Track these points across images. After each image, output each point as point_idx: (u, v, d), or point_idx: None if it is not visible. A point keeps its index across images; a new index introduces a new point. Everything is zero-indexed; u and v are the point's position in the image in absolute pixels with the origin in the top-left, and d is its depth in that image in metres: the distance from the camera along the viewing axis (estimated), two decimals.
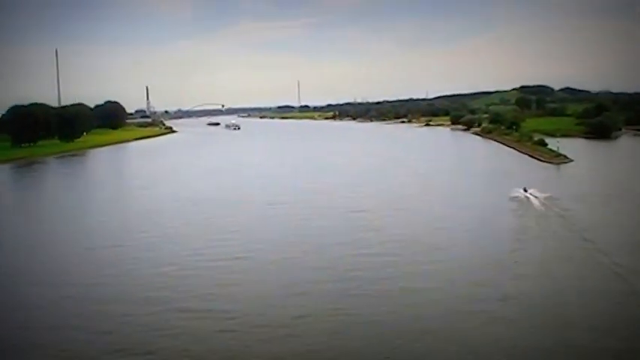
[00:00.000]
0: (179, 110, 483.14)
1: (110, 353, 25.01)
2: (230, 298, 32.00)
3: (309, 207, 60.48)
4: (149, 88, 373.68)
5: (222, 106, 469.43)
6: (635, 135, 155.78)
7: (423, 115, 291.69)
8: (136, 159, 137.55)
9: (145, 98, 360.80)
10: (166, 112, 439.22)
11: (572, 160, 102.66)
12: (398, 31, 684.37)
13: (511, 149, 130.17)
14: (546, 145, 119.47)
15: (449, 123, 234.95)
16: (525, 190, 65.34)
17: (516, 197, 63.72)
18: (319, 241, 45.57)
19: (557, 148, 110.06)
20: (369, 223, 51.63)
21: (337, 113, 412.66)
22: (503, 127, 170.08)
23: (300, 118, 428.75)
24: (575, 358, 24.34)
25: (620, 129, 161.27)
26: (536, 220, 53.36)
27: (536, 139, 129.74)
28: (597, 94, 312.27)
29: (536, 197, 63.14)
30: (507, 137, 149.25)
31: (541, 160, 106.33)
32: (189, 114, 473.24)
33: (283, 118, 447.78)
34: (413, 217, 55.08)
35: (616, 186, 74.50)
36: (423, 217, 55.60)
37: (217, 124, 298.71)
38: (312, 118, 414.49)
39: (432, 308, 30.08)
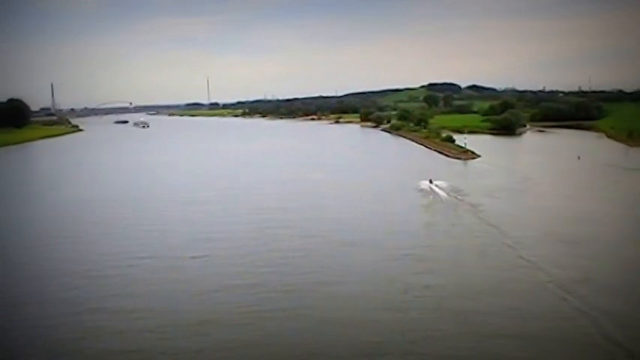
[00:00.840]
0: (86, 108, 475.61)
1: None
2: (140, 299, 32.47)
3: (223, 209, 60.79)
4: (54, 85, 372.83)
5: (130, 103, 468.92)
6: (538, 131, 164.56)
7: (333, 113, 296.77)
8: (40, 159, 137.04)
9: (50, 96, 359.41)
10: (72, 110, 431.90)
11: (479, 156, 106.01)
12: (308, 28, 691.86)
13: (420, 146, 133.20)
14: (454, 141, 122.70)
15: (358, 120, 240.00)
16: (431, 182, 69.90)
17: (422, 189, 68.05)
18: (230, 236, 47.39)
19: (465, 144, 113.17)
20: (281, 222, 52.60)
21: (247, 111, 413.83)
22: (411, 124, 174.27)
23: (210, 115, 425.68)
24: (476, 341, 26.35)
25: (524, 125, 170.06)
26: (443, 213, 56.83)
27: (444, 135, 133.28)
28: (503, 91, 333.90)
29: (441, 188, 67.14)
30: (416, 134, 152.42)
31: (449, 156, 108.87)
32: (96, 112, 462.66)
33: (192, 115, 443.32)
34: (322, 211, 57.60)
35: (520, 179, 77.85)
36: (333, 210, 58.22)
37: (125, 122, 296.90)
38: (222, 115, 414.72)
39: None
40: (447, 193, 66.80)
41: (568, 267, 38.05)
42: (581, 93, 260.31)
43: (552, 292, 33.10)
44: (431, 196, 64.39)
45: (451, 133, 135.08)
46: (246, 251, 42.20)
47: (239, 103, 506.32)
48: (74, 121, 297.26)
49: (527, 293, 33.01)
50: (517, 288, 34.03)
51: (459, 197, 64.87)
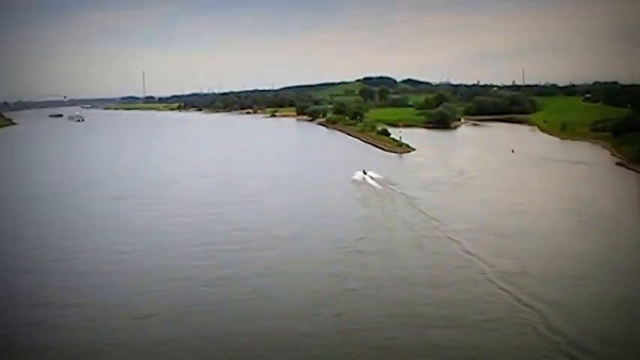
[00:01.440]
0: (19, 102, 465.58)
1: None
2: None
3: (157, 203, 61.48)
4: None
5: (65, 97, 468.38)
6: (473, 124, 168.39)
7: (269, 106, 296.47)
8: None
9: None
10: (6, 103, 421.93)
11: (414, 149, 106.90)
12: (244, 22, 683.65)
13: (355, 139, 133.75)
14: (389, 134, 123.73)
15: (294, 114, 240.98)
16: (365, 173, 73.48)
17: (356, 180, 71.12)
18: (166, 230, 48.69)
19: (400, 137, 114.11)
20: (220, 216, 53.54)
21: (183, 104, 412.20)
22: (347, 118, 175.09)
23: (145, 109, 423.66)
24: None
25: (459, 119, 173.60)
26: (379, 206, 58.26)
27: (379, 129, 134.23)
28: (437, 85, 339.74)
29: (375, 180, 69.71)
30: (351, 127, 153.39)
31: (384, 150, 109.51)
32: (29, 105, 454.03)
33: (128, 109, 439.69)
34: (260, 204, 59.67)
35: (456, 172, 78.53)
36: (271, 202, 60.58)
37: (60, 115, 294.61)
38: (157, 109, 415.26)
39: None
40: (382, 185, 67.96)
41: (506, 259, 38.55)
42: (515, 87, 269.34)
43: (491, 282, 34.27)
44: (364, 187, 67.03)
45: (386, 127, 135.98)
46: (179, 245, 43.48)
47: (174, 96, 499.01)
48: (8, 114, 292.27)
49: (465, 284, 33.60)
50: (455, 279, 35.01)
51: (395, 189, 65.48)
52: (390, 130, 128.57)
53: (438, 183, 70.59)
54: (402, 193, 63.35)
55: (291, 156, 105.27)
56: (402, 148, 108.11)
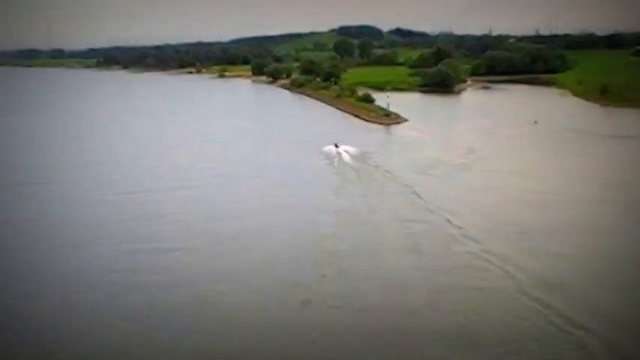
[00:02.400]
0: None
1: None
2: None
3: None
4: None
5: None
6: (483, 88, 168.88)
7: (217, 64, 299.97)
8: None
9: None
10: None
11: (406, 120, 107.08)
12: None
13: (329, 107, 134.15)
14: (374, 101, 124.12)
15: (249, 74, 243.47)
16: (336, 146, 78.54)
17: (326, 156, 75.61)
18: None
19: (388, 105, 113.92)
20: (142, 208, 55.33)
21: (102, 60, 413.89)
22: (318, 80, 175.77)
23: (52, 66, 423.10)
24: None
25: (464, 81, 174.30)
26: (363, 196, 57.71)
27: (360, 94, 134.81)
28: (436, 37, 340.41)
29: (349, 154, 75.22)
30: (324, 92, 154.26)
31: (367, 121, 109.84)
32: None
33: (28, 66, 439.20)
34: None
35: (461, 151, 78.12)
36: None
37: None
38: (68, 66, 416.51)
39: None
40: (362, 162, 70.75)
41: (533, 267, 38.94)
42: (539, 38, 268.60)
43: (520, 302, 34.56)
44: (337, 166, 71.07)
45: (370, 91, 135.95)
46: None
47: (91, 50, 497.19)
48: None
49: (489, 302, 34.63)
50: (475, 296, 35.57)
51: (379, 168, 66.91)
52: (375, 95, 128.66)
53: (439, 164, 70.40)
54: (389, 175, 64.36)
55: (244, 130, 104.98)
56: (391, 118, 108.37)
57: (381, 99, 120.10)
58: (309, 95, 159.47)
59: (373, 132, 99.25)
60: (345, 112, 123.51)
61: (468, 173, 66.59)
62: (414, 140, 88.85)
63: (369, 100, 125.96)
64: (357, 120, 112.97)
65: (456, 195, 57.12)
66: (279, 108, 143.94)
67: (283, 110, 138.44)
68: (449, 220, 48.69)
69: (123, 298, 36.89)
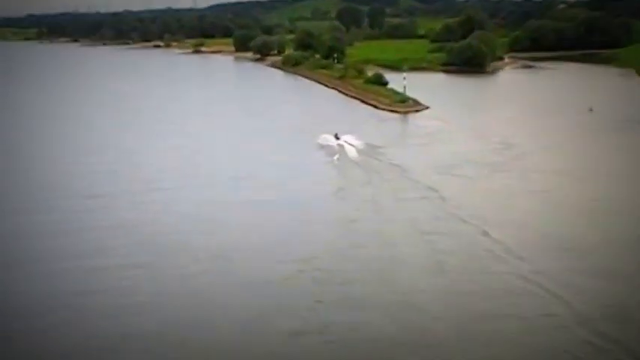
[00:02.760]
0: None
1: None
2: None
3: None
4: None
5: None
6: (524, 66, 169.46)
7: (190, 37, 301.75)
8: None
9: None
10: None
11: (427, 107, 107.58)
12: None
13: (332, 91, 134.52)
14: (386, 83, 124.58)
15: (232, 49, 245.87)
16: (337, 137, 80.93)
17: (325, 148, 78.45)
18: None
19: (404, 88, 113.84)
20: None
21: (45, 31, 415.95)
22: (317, 56, 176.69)
23: None
24: None
25: (501, 58, 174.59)
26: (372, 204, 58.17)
27: (370, 74, 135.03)
28: (465, 2, 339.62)
29: (354, 147, 77.36)
30: (325, 72, 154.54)
31: (379, 108, 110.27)
32: None
33: None
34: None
35: (495, 146, 78.51)
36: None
37: None
38: (3, 38, 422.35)
39: None
40: (367, 156, 72.80)
41: (593, 291, 38.92)
42: (597, 2, 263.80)
43: (580, 338, 34.13)
44: (338, 163, 72.75)
45: (382, 71, 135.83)
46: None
47: (31, 16, 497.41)
48: None
49: (540, 337, 34.42)
50: (521, 328, 35.47)
51: (396, 168, 67.53)
52: (389, 76, 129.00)
53: (468, 163, 70.61)
54: (407, 175, 65.16)
55: (222, 121, 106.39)
56: (408, 105, 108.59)
57: (396, 81, 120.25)
58: (306, 76, 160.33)
59: (386, 122, 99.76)
60: (351, 97, 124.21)
61: (505, 173, 66.62)
62: (436, 132, 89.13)
63: (380, 82, 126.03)
64: (365, 107, 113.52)
65: (491, 201, 57.39)
66: (268, 92, 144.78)
67: (273, 95, 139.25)
68: (485, 233, 48.81)
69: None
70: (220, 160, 78.64)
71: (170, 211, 58.04)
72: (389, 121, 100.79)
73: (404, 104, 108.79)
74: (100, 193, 63.91)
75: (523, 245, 46.09)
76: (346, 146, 77.47)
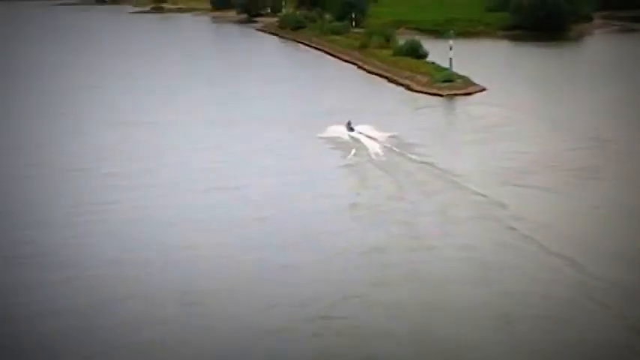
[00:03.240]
0: None
1: None
2: None
3: None
4: None
5: None
6: (622, 31, 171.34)
7: None
8: None
9: None
10: None
11: (482, 89, 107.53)
12: None
13: (348, 65, 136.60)
14: (425, 55, 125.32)
15: (207, 6, 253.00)
16: (351, 128, 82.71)
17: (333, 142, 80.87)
18: None
19: (451, 61, 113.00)
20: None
21: None
22: (328, 17, 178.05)
23: None
24: None
25: (588, 17, 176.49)
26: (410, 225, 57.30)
27: (401, 42, 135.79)
28: None
29: (373, 140, 78.79)
30: (338, 40, 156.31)
31: (413, 90, 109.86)
32: None
33: None
34: None
35: (584, 143, 77.48)
36: None
37: None
38: None
39: None
40: (395, 155, 73.08)
41: None
42: None
43: None
44: (352, 163, 73.47)
45: (419, 38, 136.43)
46: None
47: None
48: None
49: None
50: None
51: (439, 174, 67.15)
52: (429, 45, 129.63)
53: (546, 168, 69.01)
54: (456, 184, 64.23)
55: (196, 109, 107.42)
56: (455, 85, 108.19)
57: (439, 52, 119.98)
58: (311, 45, 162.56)
59: (424, 110, 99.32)
60: (376, 74, 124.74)
61: (603, 184, 65.25)
62: (497, 124, 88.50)
63: (417, 53, 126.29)
64: (394, 88, 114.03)
65: (584, 223, 55.48)
66: (260, 68, 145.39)
67: (264, 72, 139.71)
68: (581, 269, 46.29)
69: None
70: (199, 164, 79.35)
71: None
72: (428, 108, 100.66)
73: (450, 84, 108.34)
74: None
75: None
76: (364, 140, 78.14)
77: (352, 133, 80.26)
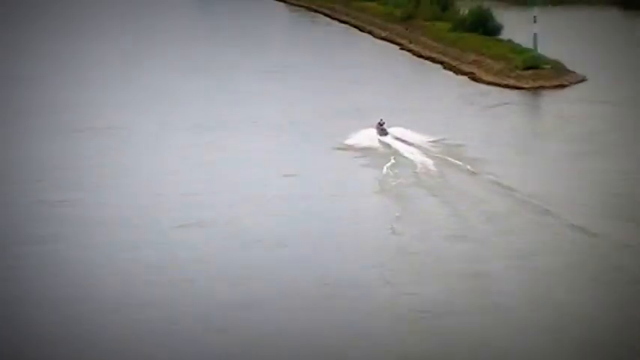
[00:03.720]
0: None
1: None
2: None
3: None
4: None
5: None
6: None
7: None
8: None
9: None
10: None
11: (581, 79, 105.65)
12: None
13: (386, 45, 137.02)
14: (498, 30, 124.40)
15: None
16: (383, 131, 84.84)
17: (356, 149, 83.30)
18: None
19: (535, 39, 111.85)
20: None
21: None
22: None
23: None
24: None
25: None
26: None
27: (464, 12, 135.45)
28: None
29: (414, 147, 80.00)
30: (373, 7, 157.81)
31: (481, 81, 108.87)
32: None
33: None
34: None
35: None
36: None
37: None
38: None
39: None
40: (454, 170, 73.26)
41: None
42: None
43: None
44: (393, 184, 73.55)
45: (487, 5, 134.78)
46: None
47: None
48: None
49: None
50: None
51: (524, 200, 66.84)
52: (501, 15, 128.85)
53: None
54: (551, 217, 63.51)
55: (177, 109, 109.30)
56: (542, 73, 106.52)
57: (519, 25, 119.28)
58: (333, 15, 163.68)
59: (496, 109, 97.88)
60: (426, 58, 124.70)
61: None
62: (601, 130, 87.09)
63: (486, 27, 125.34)
64: (453, 77, 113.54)
65: None
66: (264, 49, 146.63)
67: (270, 54, 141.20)
68: None
69: None
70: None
71: None
72: (503, 107, 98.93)
73: (535, 72, 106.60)
74: None
75: None
76: (400, 147, 77.87)
77: (384, 137, 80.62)
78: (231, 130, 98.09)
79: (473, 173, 72.33)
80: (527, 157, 78.93)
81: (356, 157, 78.83)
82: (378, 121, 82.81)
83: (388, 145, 79.16)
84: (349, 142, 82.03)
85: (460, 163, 73.72)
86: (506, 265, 59.66)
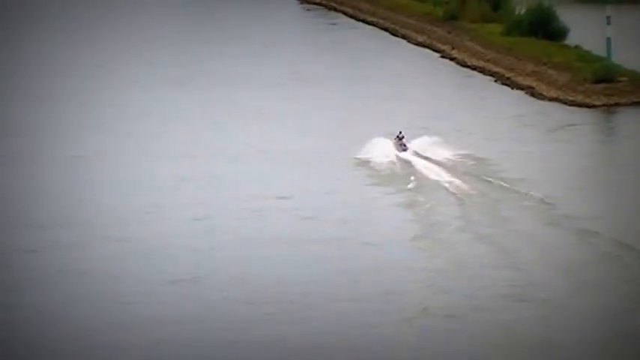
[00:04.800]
0: None
1: None
2: None
3: None
4: None
5: None
6: None
7: None
8: None
9: None
10: None
11: None
12: None
13: (424, 50, 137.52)
14: (562, 34, 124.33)
15: None
16: (402, 145, 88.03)
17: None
18: None
19: (609, 42, 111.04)
20: None
21: None
22: None
23: None
24: None
25: None
26: None
27: (521, 10, 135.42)
28: None
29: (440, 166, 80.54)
30: (406, 5, 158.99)
31: (541, 97, 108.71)
32: None
33: None
34: None
35: None
36: None
37: None
38: None
39: None
40: (505, 206, 72.51)
41: None
42: None
43: None
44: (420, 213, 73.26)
45: (550, 3, 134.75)
46: None
47: None
48: None
49: None
50: None
51: (595, 241, 64.21)
52: (570, 16, 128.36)
53: None
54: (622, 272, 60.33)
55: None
56: (617, 88, 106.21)
57: (589, 27, 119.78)
58: (358, 16, 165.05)
59: (560, 131, 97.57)
60: (474, 68, 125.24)
61: None
62: None
63: (548, 29, 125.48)
64: (509, 92, 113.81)
65: None
66: (269, 55, 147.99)
67: (277, 68, 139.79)
68: None
69: None
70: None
71: None
72: (569, 129, 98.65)
73: (608, 87, 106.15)
74: None
75: None
76: (422, 166, 78.72)
77: (404, 154, 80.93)
78: (231, 161, 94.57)
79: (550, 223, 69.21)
80: (606, 193, 78.11)
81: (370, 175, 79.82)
82: (398, 134, 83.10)
83: (407, 162, 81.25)
84: (365, 155, 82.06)
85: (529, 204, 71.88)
86: None
